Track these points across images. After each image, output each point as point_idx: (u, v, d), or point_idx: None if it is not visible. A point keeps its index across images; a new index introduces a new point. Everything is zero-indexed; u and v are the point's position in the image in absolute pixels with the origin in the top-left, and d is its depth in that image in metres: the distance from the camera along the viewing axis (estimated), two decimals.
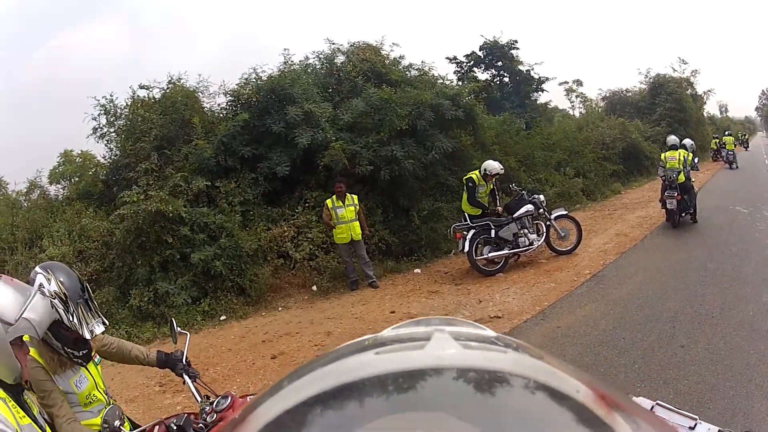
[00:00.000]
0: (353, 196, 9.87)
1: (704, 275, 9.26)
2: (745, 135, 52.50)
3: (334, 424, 0.78)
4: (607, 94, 35.65)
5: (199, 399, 3.22)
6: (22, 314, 2.15)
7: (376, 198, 11.39)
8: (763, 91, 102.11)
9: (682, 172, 12.59)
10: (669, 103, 32.39)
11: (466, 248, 9.53)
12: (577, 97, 36.77)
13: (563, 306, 7.85)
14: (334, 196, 9.77)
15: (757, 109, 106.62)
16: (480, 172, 10.20)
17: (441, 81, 14.90)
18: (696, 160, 14.42)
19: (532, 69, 26.34)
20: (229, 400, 3.03)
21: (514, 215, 9.93)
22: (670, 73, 36.52)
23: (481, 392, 0.83)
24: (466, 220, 9.93)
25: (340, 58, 14.29)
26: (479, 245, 9.74)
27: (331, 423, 0.78)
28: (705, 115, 46.44)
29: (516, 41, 26.11)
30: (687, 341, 6.57)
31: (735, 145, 32.23)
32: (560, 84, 36.54)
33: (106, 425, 2.58)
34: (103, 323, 2.84)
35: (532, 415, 0.78)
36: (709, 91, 44.32)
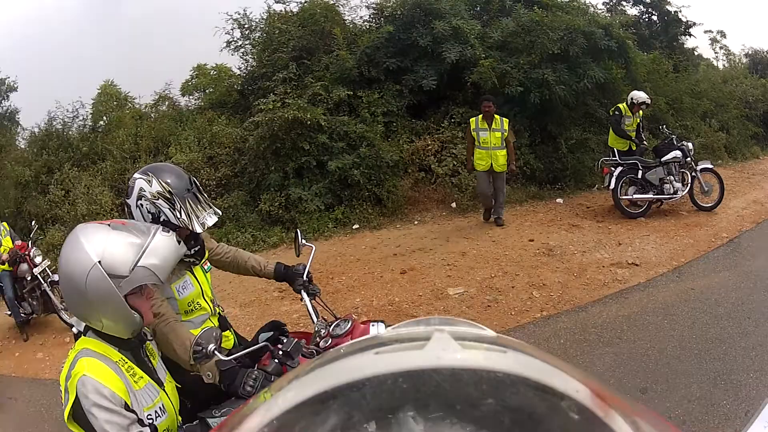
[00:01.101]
0: (503, 119, 8.89)
1: None
2: None
3: (335, 424, 0.77)
4: (750, 52, 33.24)
5: (315, 320, 2.94)
6: (137, 263, 2.00)
7: (524, 121, 10.95)
8: None
9: None
10: None
11: (612, 185, 9.09)
12: (720, 48, 34.53)
13: (699, 266, 7.33)
14: (480, 116, 8.80)
15: None
16: (627, 102, 9.67)
17: (592, 9, 14.20)
18: None
19: (680, 11, 24.82)
20: (349, 324, 2.71)
21: (662, 159, 9.36)
22: None
23: (481, 392, 0.83)
24: (614, 156, 9.44)
25: None
26: (625, 184, 9.26)
27: (331, 423, 0.78)
28: None
29: None
30: None
31: None
32: (705, 32, 34.28)
33: (199, 347, 2.28)
34: (216, 213, 2.74)
35: (532, 415, 0.80)
36: None
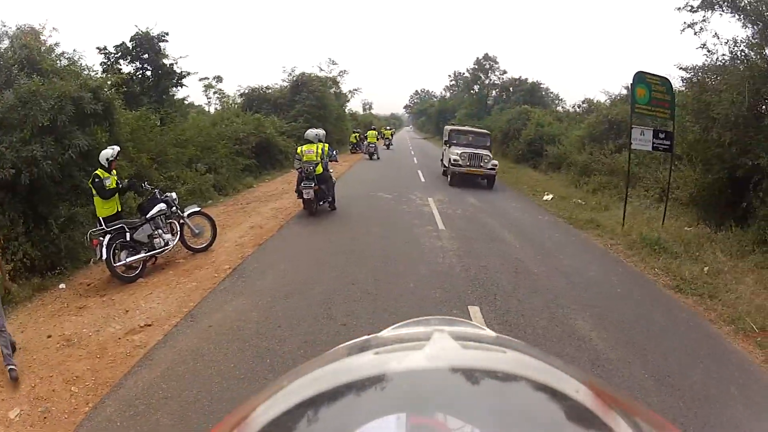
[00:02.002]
0: None
1: (350, 257, 10.10)
2: (390, 129, 55.87)
3: (334, 424, 0.81)
4: (246, 91, 36.83)
5: None
6: None
7: (18, 206, 9.83)
8: (416, 90, 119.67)
9: (320, 164, 13.63)
10: (309, 101, 34.78)
11: (104, 255, 9.01)
12: (215, 93, 37.25)
13: (210, 304, 7.78)
14: None
15: (406, 107, 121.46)
16: (102, 162, 9.66)
17: (86, 72, 13.95)
18: (335, 152, 15.94)
19: (176, 63, 25.89)
20: None
21: (147, 215, 9.72)
22: (317, 72, 39.95)
23: (481, 392, 0.86)
24: (101, 225, 9.36)
25: (5, 43, 12.87)
26: (117, 251, 9.25)
27: (331, 423, 0.82)
28: (347, 111, 51.12)
29: (167, 33, 25.09)
30: (347, 319, 7.05)
31: (377, 139, 35.98)
32: (200, 80, 37.22)
33: None
34: None
35: (531, 415, 0.81)
36: (355, 90, 50.89)
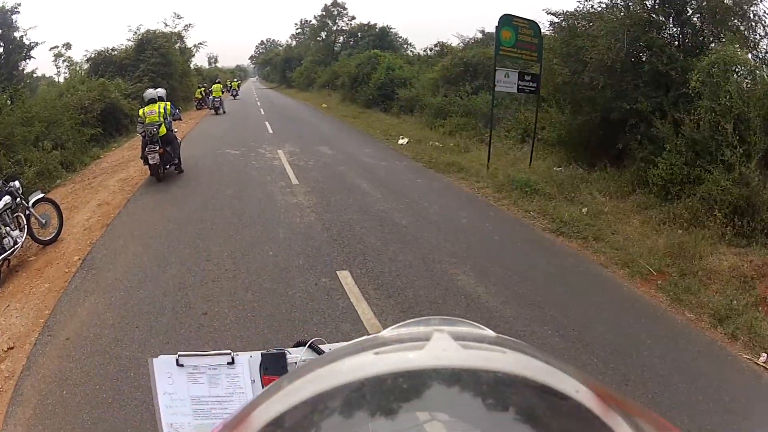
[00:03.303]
0: None
1: (203, 227, 9.47)
2: (235, 81, 56.29)
3: (334, 425, 0.78)
4: (93, 55, 34.21)
5: None
6: None
7: None
8: (262, 41, 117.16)
9: (164, 124, 12.97)
10: (154, 59, 33.15)
11: None
12: (64, 61, 34.33)
13: (64, 310, 6.70)
14: None
15: (251, 57, 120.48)
16: None
17: None
18: (178, 110, 14.73)
19: (26, 35, 23.67)
20: None
21: None
22: (162, 28, 37.98)
23: (481, 393, 0.84)
24: None
25: None
26: None
27: (330, 423, 0.79)
28: (192, 66, 49.20)
29: (19, 4, 23.11)
30: (208, 306, 6.42)
31: (222, 92, 34.83)
32: (50, 49, 34.17)
33: None
34: None
35: (532, 415, 0.80)
36: (201, 44, 49.10)
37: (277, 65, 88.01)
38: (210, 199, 11.39)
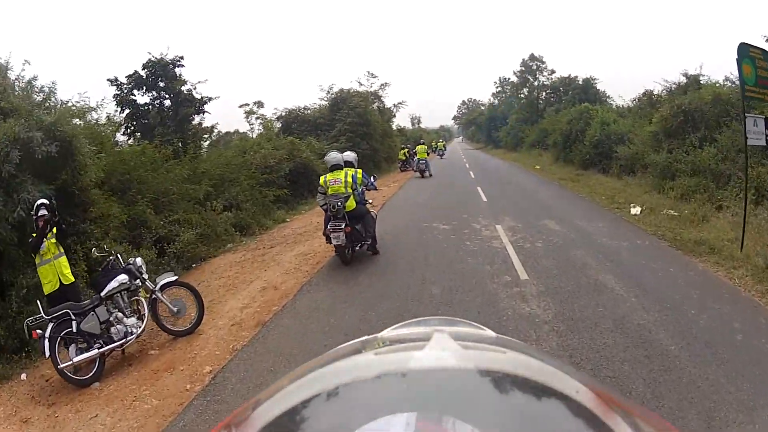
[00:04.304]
0: None
1: None
2: (441, 141, 58.85)
3: (334, 424, 0.81)
4: (283, 113, 34.60)
5: None
6: None
7: None
8: (463, 101, 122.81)
9: (352, 196, 10.27)
10: (351, 118, 32.25)
11: (47, 353, 6.43)
12: (257, 119, 35.14)
13: None
14: None
15: (454, 117, 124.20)
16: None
17: (74, 105, 11.72)
18: (373, 178, 11.92)
19: (195, 88, 23.95)
20: None
21: (102, 293, 7.03)
22: (356, 87, 37.28)
23: (481, 392, 0.87)
24: (41, 310, 6.72)
25: None
26: (64, 345, 6.69)
27: (331, 423, 0.82)
28: (395, 127, 48.89)
29: (182, 57, 23.52)
30: None
31: (428, 154, 32.83)
32: (240, 106, 34.63)
33: None
34: None
35: (531, 415, 0.82)
36: (400, 103, 47.80)
37: (482, 125, 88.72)
38: (409, 302, 8.29)
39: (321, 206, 10.72)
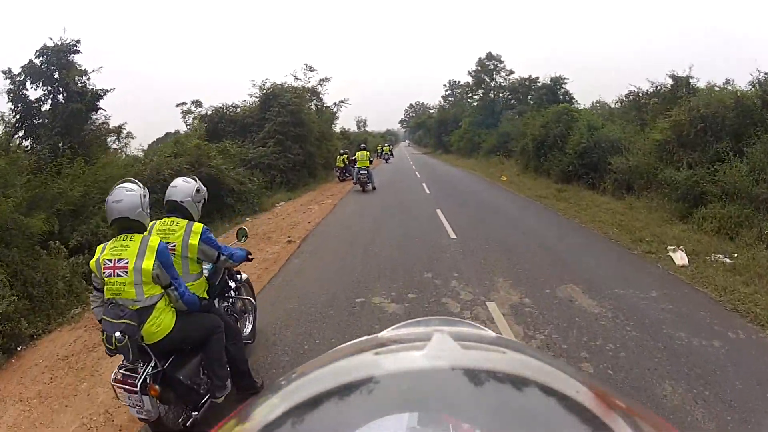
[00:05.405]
0: None
1: None
2: (387, 146, 56.95)
3: (335, 424, 0.79)
4: (209, 112, 29.40)
5: None
6: None
7: None
8: (410, 104, 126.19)
9: (169, 296, 4.32)
10: (282, 117, 26.69)
11: None
12: (194, 119, 30.46)
13: None
14: None
15: (401, 121, 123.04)
16: None
17: None
18: (242, 237, 6.25)
19: (88, 78, 17.97)
20: None
21: None
22: (291, 82, 31.95)
23: (481, 392, 0.86)
24: None
25: None
26: None
27: (331, 423, 0.80)
28: (337, 129, 43.69)
29: (78, 41, 17.60)
30: None
31: (370, 162, 25.81)
32: (177, 105, 31.00)
33: None
34: None
35: (531, 415, 0.81)
36: (342, 101, 41.20)
37: (431, 128, 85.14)
38: None
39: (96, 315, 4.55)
